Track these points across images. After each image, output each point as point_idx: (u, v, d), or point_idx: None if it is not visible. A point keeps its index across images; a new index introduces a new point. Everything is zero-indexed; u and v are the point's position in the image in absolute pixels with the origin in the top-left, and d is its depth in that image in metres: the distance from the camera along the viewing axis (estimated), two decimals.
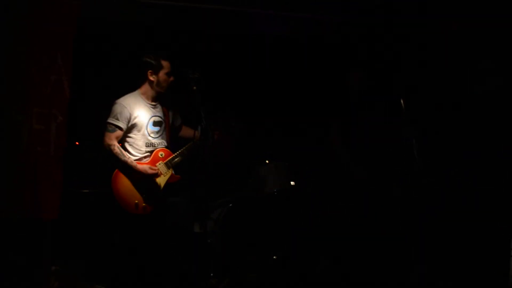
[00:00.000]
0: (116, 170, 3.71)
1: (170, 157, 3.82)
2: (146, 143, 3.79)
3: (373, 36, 4.72)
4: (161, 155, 3.82)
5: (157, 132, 3.84)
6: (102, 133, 3.74)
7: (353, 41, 4.82)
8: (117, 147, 3.69)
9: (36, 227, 3.84)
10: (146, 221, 3.75)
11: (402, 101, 3.74)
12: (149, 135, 3.80)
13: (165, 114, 3.89)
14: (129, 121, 3.73)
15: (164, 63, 3.77)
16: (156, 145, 3.83)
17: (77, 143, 4.48)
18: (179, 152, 3.85)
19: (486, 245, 3.96)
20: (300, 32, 4.75)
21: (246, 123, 4.19)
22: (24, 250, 3.72)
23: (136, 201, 3.69)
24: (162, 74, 3.76)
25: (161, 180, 3.78)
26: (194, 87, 3.62)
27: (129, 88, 3.91)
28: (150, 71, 3.76)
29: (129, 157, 3.72)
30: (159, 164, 3.79)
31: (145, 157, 3.79)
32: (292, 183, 4.46)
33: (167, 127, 3.90)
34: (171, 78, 3.80)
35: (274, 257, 4.33)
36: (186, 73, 3.65)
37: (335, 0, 4.54)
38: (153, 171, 3.72)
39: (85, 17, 4.02)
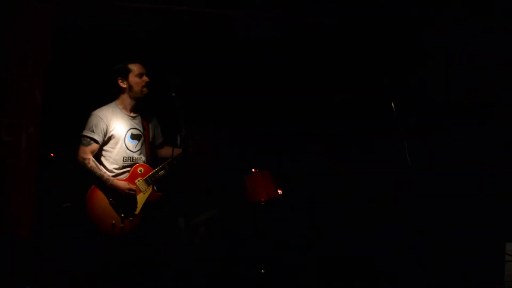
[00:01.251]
0: (92, 187, 3.45)
1: (150, 173, 3.56)
2: (124, 157, 3.53)
3: (362, 39, 4.55)
4: (140, 171, 3.56)
5: (135, 146, 3.59)
6: (76, 147, 3.50)
7: (343, 44, 4.64)
8: (92, 161, 3.43)
9: (9, 245, 3.64)
10: (126, 240, 3.52)
11: (393, 104, 3.66)
12: (127, 149, 3.55)
13: (144, 127, 3.64)
14: (105, 134, 3.49)
15: (132, 66, 3.56)
16: (134, 160, 3.57)
17: (52, 154, 4.23)
18: (160, 168, 3.58)
19: (481, 249, 3.88)
20: (286, 36, 4.57)
21: (232, 131, 4.01)
22: None
23: (113, 221, 3.42)
24: (132, 77, 3.55)
25: (141, 198, 3.51)
26: (173, 94, 3.38)
27: (108, 94, 3.69)
28: (119, 78, 3.56)
29: (105, 172, 3.47)
30: (138, 180, 3.53)
31: (123, 173, 3.53)
32: (279, 192, 4.30)
33: (147, 141, 3.64)
34: (144, 79, 3.57)
35: (262, 270, 4.16)
36: (165, 79, 3.42)
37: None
38: (131, 189, 3.47)
39: (62, 22, 3.92)
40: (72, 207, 4.04)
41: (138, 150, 3.60)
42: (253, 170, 4.31)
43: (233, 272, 4.14)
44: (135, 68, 3.56)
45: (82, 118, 3.69)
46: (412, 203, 3.81)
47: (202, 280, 3.90)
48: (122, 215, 3.46)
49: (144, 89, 3.57)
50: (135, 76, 3.55)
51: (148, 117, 3.72)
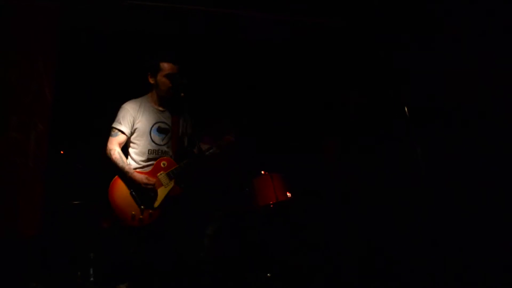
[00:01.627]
0: (115, 177, 3.45)
1: (173, 168, 3.55)
2: (149, 149, 3.54)
3: (373, 43, 4.55)
4: (164, 164, 3.55)
5: (162, 140, 3.59)
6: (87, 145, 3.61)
7: (353, 49, 4.67)
8: (117, 153, 3.44)
9: (17, 243, 3.62)
10: (142, 233, 3.48)
11: (406, 108, 3.67)
12: (153, 142, 3.56)
13: (174, 122, 3.64)
14: (132, 125, 3.51)
15: (163, 65, 3.57)
16: (160, 153, 3.57)
17: (62, 152, 4.16)
18: (184, 163, 3.57)
19: (493, 254, 3.79)
20: (299, 38, 4.62)
21: (241, 133, 4.05)
22: (3, 267, 3.48)
23: (133, 213, 3.41)
24: (160, 76, 3.56)
25: (162, 192, 3.50)
26: (182, 94, 3.45)
27: (121, 92, 3.75)
28: (149, 74, 3.60)
29: (128, 165, 3.47)
30: (161, 174, 3.52)
31: (148, 165, 3.54)
32: (289, 195, 4.31)
33: (175, 136, 3.63)
34: None
35: (268, 274, 4.14)
36: (174, 79, 3.50)
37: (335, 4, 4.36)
38: (149, 182, 3.43)
39: (71, 22, 3.99)
40: (81, 204, 3.98)
41: (164, 144, 3.60)
42: (262, 172, 4.34)
43: (239, 275, 4.11)
44: (166, 67, 3.56)
45: (92, 116, 3.70)
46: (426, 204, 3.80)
47: (209, 281, 3.87)
48: (142, 207, 3.45)
49: (170, 90, 3.58)
50: (164, 76, 3.56)
51: (181, 112, 3.70)
